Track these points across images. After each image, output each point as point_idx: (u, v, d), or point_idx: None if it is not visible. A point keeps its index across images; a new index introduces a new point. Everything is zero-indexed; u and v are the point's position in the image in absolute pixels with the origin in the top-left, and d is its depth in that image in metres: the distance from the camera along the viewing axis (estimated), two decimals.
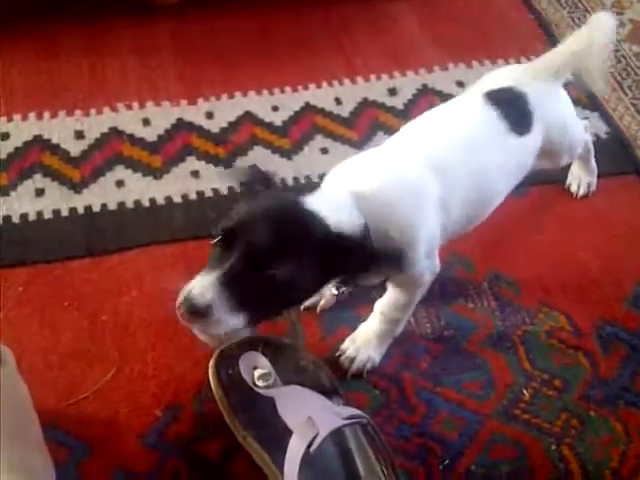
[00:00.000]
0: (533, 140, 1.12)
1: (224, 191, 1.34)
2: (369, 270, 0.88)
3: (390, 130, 1.47)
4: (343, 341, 1.13)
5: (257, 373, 1.02)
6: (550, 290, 1.23)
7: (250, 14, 1.69)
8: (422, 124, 1.10)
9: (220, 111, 1.49)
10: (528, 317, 1.19)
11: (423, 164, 0.99)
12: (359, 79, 1.58)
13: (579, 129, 1.28)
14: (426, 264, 1.02)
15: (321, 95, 1.54)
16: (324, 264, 0.85)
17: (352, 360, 1.11)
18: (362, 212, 0.90)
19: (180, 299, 0.84)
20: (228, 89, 1.53)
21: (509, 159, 1.09)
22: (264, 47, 1.63)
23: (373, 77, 1.59)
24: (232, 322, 0.84)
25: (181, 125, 1.45)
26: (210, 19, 1.67)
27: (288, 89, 1.54)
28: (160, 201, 1.31)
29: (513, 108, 1.10)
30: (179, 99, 1.50)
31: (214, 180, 1.36)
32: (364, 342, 1.11)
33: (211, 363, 1.05)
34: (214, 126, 1.46)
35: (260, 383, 1.01)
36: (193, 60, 1.58)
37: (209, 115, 1.48)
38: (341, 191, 0.93)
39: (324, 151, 1.43)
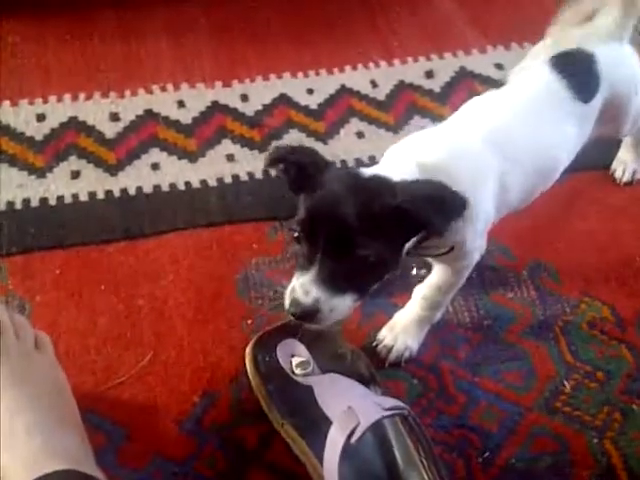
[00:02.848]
0: (598, 104, 1.08)
1: (259, 175, 1.32)
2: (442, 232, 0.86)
3: (427, 114, 1.45)
4: (380, 329, 1.12)
5: (295, 361, 1.01)
6: (592, 280, 1.21)
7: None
8: (487, 99, 1.06)
9: (255, 93, 1.47)
10: (569, 307, 1.17)
11: (484, 139, 0.97)
12: (395, 61, 1.55)
13: None
14: (478, 242, 1.01)
15: (357, 77, 1.52)
16: (405, 229, 0.84)
17: (390, 349, 1.09)
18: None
19: (287, 304, 0.85)
20: (263, 71, 1.51)
21: (573, 129, 1.06)
22: (299, 28, 1.61)
23: (410, 59, 1.56)
24: (340, 310, 0.85)
25: (216, 107, 1.44)
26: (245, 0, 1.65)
27: (323, 71, 1.52)
28: (195, 184, 1.30)
29: (579, 73, 1.06)
30: (214, 81, 1.48)
31: (249, 163, 1.34)
32: (402, 330, 1.10)
33: (248, 350, 1.04)
34: (249, 109, 1.44)
35: (298, 371, 1.00)
36: (228, 41, 1.56)
37: (244, 97, 1.46)
38: (407, 162, 0.90)
39: (360, 135, 1.41)
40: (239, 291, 1.16)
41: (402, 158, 0.93)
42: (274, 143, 1.38)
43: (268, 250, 1.22)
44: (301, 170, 0.86)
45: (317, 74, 1.52)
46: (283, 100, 1.46)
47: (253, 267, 1.19)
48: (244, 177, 1.32)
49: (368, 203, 0.81)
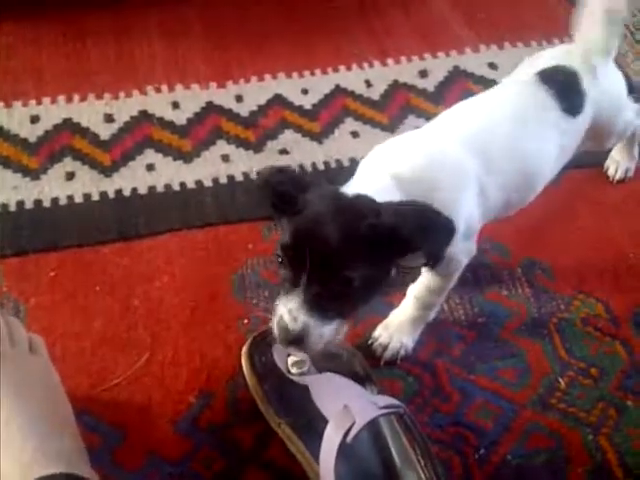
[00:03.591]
0: (583, 121, 1.09)
1: (254, 175, 1.32)
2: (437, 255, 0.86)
3: (421, 113, 1.45)
4: (375, 328, 1.12)
5: (291, 360, 1.01)
6: (586, 277, 1.21)
7: None
8: (465, 106, 1.06)
9: (250, 94, 1.47)
10: (564, 304, 1.17)
11: (463, 142, 0.97)
12: (389, 61, 1.56)
13: (631, 111, 1.24)
14: (463, 246, 1.00)
15: (351, 78, 1.52)
16: (392, 251, 0.83)
17: (385, 347, 1.09)
18: (403, 194, 0.88)
19: (275, 332, 0.86)
20: (258, 72, 1.51)
21: (558, 143, 1.06)
22: (294, 29, 1.61)
23: (404, 59, 1.56)
24: (328, 333, 0.85)
25: (211, 108, 1.44)
26: (239, 1, 1.65)
27: (318, 72, 1.52)
28: (190, 185, 1.30)
29: (565, 88, 1.07)
30: (208, 82, 1.48)
31: (244, 164, 1.34)
32: (397, 328, 1.10)
33: (244, 350, 1.04)
34: (244, 109, 1.44)
35: (294, 370, 1.00)
36: (222, 42, 1.57)
37: (239, 98, 1.46)
38: (382, 175, 0.90)
39: (354, 135, 1.41)
40: (235, 291, 1.16)
41: (377, 171, 0.92)
42: (269, 143, 1.38)
43: (263, 250, 1.22)
44: (281, 192, 0.85)
45: (312, 74, 1.52)
46: (278, 100, 1.46)
47: (249, 267, 1.19)
48: (239, 177, 1.32)
49: (353, 225, 0.80)
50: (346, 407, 0.91)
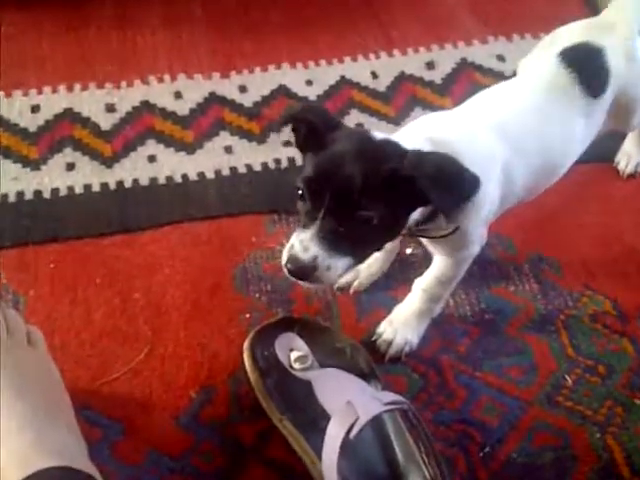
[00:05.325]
0: (607, 99, 1.07)
1: (258, 167, 1.31)
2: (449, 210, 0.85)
3: (428, 105, 1.43)
4: (379, 323, 1.10)
5: (294, 355, 1.00)
6: (594, 273, 1.19)
7: None
8: (498, 89, 1.05)
9: (253, 85, 1.45)
10: (571, 300, 1.16)
11: (493, 128, 0.96)
12: (396, 52, 1.53)
13: None
14: (480, 231, 1.00)
15: (357, 69, 1.50)
16: (410, 199, 0.83)
17: (389, 343, 1.08)
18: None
19: (284, 259, 0.85)
20: (262, 62, 1.49)
21: (582, 125, 1.05)
22: (299, 19, 1.59)
23: (410, 50, 1.54)
24: (338, 270, 0.84)
25: (214, 99, 1.42)
26: None
27: (323, 62, 1.50)
28: (193, 177, 1.29)
29: (589, 67, 1.05)
30: (211, 72, 1.46)
31: (248, 155, 1.33)
32: (402, 324, 1.08)
33: (246, 344, 1.03)
34: (247, 100, 1.42)
35: (297, 365, 0.99)
36: (226, 32, 1.54)
37: (242, 89, 1.44)
38: (417, 135, 0.90)
39: (360, 126, 1.39)
40: (237, 284, 1.15)
41: (414, 132, 0.92)
42: (273, 135, 1.36)
43: (266, 243, 1.20)
44: (311, 128, 0.85)
45: (317, 65, 1.50)
46: (282, 91, 1.44)
47: (251, 260, 1.18)
48: (242, 169, 1.30)
49: (376, 166, 0.80)
50: (349, 403, 0.90)
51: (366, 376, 1.00)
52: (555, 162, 1.06)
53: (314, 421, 0.93)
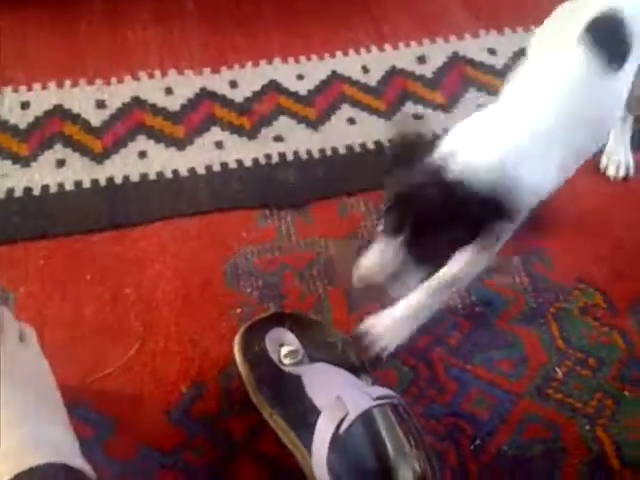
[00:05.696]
0: (632, 65, 1.08)
1: (248, 162, 1.31)
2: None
3: (419, 100, 1.43)
4: (370, 317, 1.10)
5: (284, 350, 1.00)
6: (585, 266, 1.19)
7: None
8: (526, 82, 1.06)
9: (244, 80, 1.45)
10: (562, 293, 1.16)
11: (544, 139, 0.98)
12: (387, 47, 1.53)
13: None
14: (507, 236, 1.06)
15: (348, 63, 1.50)
16: (480, 225, 0.91)
17: (371, 346, 1.06)
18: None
19: (363, 271, 0.91)
20: (253, 57, 1.49)
21: (614, 96, 1.07)
22: (290, 14, 1.59)
23: (401, 44, 1.54)
24: (411, 284, 0.94)
25: (204, 94, 1.41)
26: None
27: (314, 57, 1.50)
28: (183, 173, 1.28)
29: (610, 39, 1.05)
30: (202, 67, 1.46)
31: (238, 151, 1.32)
32: (390, 324, 1.07)
33: (237, 339, 1.03)
34: (238, 95, 1.42)
35: (287, 360, 0.99)
36: (217, 27, 1.54)
37: (233, 84, 1.44)
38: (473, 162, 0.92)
39: (351, 121, 1.39)
40: (227, 280, 1.15)
41: (469, 157, 0.93)
42: (263, 130, 1.36)
43: (257, 238, 1.20)
44: (408, 156, 0.93)
45: (308, 60, 1.50)
46: (273, 86, 1.44)
47: (242, 255, 1.18)
48: (233, 165, 1.30)
49: (451, 202, 0.87)
50: (339, 398, 0.90)
51: (357, 370, 1.00)
52: (597, 140, 1.11)
53: (304, 416, 0.93)
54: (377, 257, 0.90)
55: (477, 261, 1.05)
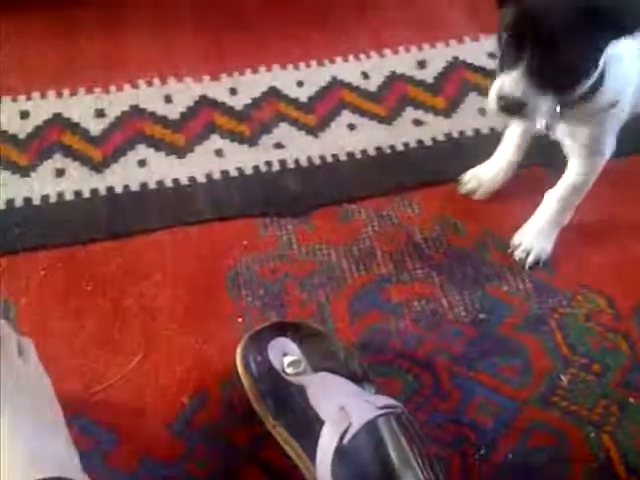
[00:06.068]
0: None
1: (249, 170, 1.30)
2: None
3: (419, 105, 1.42)
4: (371, 326, 1.10)
5: (287, 360, 0.99)
6: (588, 271, 1.19)
7: None
8: None
9: (244, 87, 1.44)
10: (565, 300, 1.15)
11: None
12: (387, 52, 1.52)
13: None
14: (612, 139, 1.11)
15: (348, 69, 1.49)
16: (607, 30, 0.91)
17: (528, 252, 1.18)
18: None
19: (494, 98, 0.95)
20: (252, 64, 1.48)
21: None
22: (289, 20, 1.57)
23: (401, 49, 1.53)
24: (542, 107, 0.94)
25: (204, 102, 1.41)
26: None
27: (314, 63, 1.49)
28: (184, 181, 1.28)
29: None
30: (201, 75, 1.45)
31: (239, 158, 1.32)
32: (537, 233, 1.18)
33: (238, 349, 1.02)
34: (238, 103, 1.41)
35: (290, 370, 0.98)
36: (216, 34, 1.53)
37: (233, 91, 1.43)
38: None
39: (351, 127, 1.38)
40: (229, 289, 1.14)
41: None
42: (264, 137, 1.36)
43: (258, 247, 1.19)
44: None
45: (307, 66, 1.49)
46: (272, 93, 1.43)
47: (243, 264, 1.17)
48: (234, 173, 1.30)
49: (576, 2, 0.89)
50: (343, 408, 0.89)
51: (360, 379, 0.99)
52: None
53: (308, 426, 0.92)
54: (508, 84, 0.92)
55: (590, 166, 1.13)
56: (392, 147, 1.35)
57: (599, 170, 1.14)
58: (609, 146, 1.11)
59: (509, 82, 0.92)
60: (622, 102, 1.05)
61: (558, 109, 1.01)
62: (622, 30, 0.91)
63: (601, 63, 0.96)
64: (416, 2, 1.64)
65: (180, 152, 1.32)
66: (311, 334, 1.04)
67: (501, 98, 0.94)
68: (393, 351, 1.09)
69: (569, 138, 1.10)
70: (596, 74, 0.97)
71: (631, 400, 1.05)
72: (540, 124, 1.10)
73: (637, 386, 1.06)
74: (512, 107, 0.93)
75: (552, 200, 1.17)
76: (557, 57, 0.90)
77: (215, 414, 1.01)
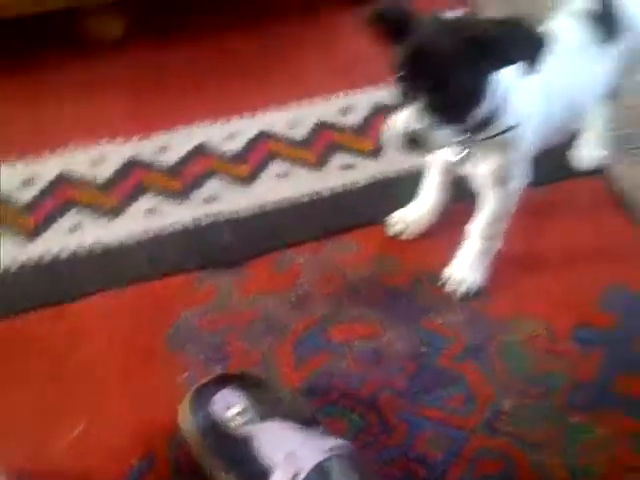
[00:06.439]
0: (622, 47, 1.19)
1: (182, 226, 1.31)
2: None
3: (347, 149, 1.45)
4: (316, 370, 1.11)
5: (233, 411, 0.99)
6: (522, 297, 1.22)
7: (198, 43, 1.67)
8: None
9: (173, 144, 1.46)
10: (502, 326, 1.18)
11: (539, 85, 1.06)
12: (312, 100, 1.56)
13: None
14: (523, 168, 1.14)
15: (275, 119, 1.52)
16: (490, 58, 0.94)
17: (459, 283, 1.21)
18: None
19: (399, 132, 0.97)
20: (180, 121, 1.50)
21: (601, 68, 1.18)
22: (215, 75, 1.61)
23: (326, 97, 1.57)
24: (445, 137, 0.98)
25: (134, 162, 1.42)
26: (157, 50, 1.65)
27: (242, 116, 1.52)
28: (117, 243, 1.28)
29: (603, 15, 1.16)
30: (130, 135, 1.47)
31: (172, 215, 1.33)
32: (466, 266, 1.22)
33: (184, 405, 1.01)
34: (168, 160, 1.43)
35: (237, 422, 0.98)
36: (143, 94, 1.55)
37: (162, 149, 1.45)
38: None
39: (282, 176, 1.41)
40: (171, 345, 1.14)
41: None
42: (196, 192, 1.37)
43: (197, 301, 1.20)
44: (396, 21, 0.97)
45: (235, 119, 1.52)
46: (202, 148, 1.45)
47: (183, 320, 1.17)
48: (168, 229, 1.30)
49: (456, 35, 0.93)
50: (291, 453, 0.90)
51: (306, 422, 1.00)
52: (579, 108, 1.21)
53: (259, 476, 0.92)
54: (410, 120, 0.95)
55: (504, 196, 1.15)
56: (322, 192, 1.38)
57: (515, 199, 1.17)
58: (521, 176, 1.14)
59: (407, 118, 0.95)
60: (524, 129, 1.08)
61: (463, 138, 1.06)
62: (506, 59, 0.95)
63: (499, 91, 1.00)
64: (336, 49, 1.69)
65: (112, 214, 1.33)
66: (256, 383, 1.05)
67: (402, 134, 0.96)
68: (338, 391, 1.10)
69: (479, 170, 1.13)
70: (493, 101, 1.01)
71: (574, 420, 1.07)
72: (452, 159, 1.13)
73: (578, 406, 1.09)
74: (413, 142, 0.96)
75: (475, 233, 1.21)
76: (448, 89, 0.94)
77: (165, 474, 1.00)
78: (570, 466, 1.02)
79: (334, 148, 1.47)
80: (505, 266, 1.26)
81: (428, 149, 0.99)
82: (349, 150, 1.46)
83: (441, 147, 1.02)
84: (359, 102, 1.56)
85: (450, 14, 0.97)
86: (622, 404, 1.09)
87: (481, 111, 1.01)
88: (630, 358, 1.15)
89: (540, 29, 0.96)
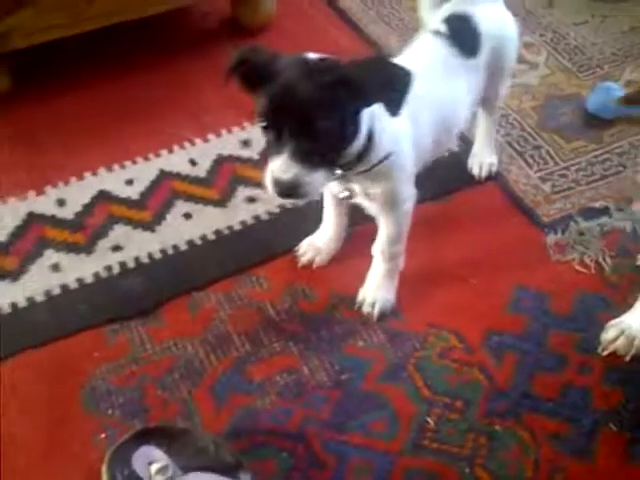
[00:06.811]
0: (482, 60, 1.23)
1: (90, 279, 1.28)
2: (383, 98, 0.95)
3: (249, 182, 1.45)
4: (239, 410, 1.10)
5: (154, 468, 0.96)
6: (434, 311, 1.24)
7: (87, 91, 1.65)
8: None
9: (71, 196, 1.43)
10: (418, 343, 1.19)
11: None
12: (211, 136, 1.55)
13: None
14: (408, 188, 1.15)
15: (175, 159, 1.51)
16: (355, 99, 0.95)
17: (373, 305, 1.22)
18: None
19: (269, 185, 0.97)
20: (76, 171, 1.47)
21: (465, 83, 1.21)
22: (108, 122, 1.59)
23: (224, 132, 1.56)
24: (318, 182, 0.97)
25: (32, 219, 1.38)
26: (46, 103, 1.62)
27: (140, 159, 1.50)
28: (22, 304, 1.24)
29: (462, 32, 1.20)
30: (26, 191, 1.43)
31: (77, 269, 1.29)
32: (377, 287, 1.23)
33: (104, 468, 0.99)
34: (68, 213, 1.39)
35: (159, 478, 0.96)
36: (37, 149, 1.52)
37: (61, 202, 1.41)
38: None
39: (187, 216, 1.40)
40: (86, 406, 1.11)
41: None
42: (100, 243, 1.34)
43: (111, 356, 1.17)
44: (254, 67, 0.96)
45: (133, 163, 1.50)
46: (102, 197, 1.43)
47: (97, 377, 1.14)
48: (74, 285, 1.27)
49: (318, 79, 0.92)
50: None
51: (233, 469, 0.99)
52: (450, 123, 1.22)
53: None
54: (277, 171, 0.94)
55: (396, 217, 1.17)
56: (230, 227, 1.37)
57: (408, 218, 1.19)
58: (408, 195, 1.16)
59: (278, 168, 0.94)
60: (397, 155, 1.08)
61: (340, 175, 1.06)
62: (372, 99, 0.95)
63: (365, 124, 1.00)
64: (233, 85, 1.68)
65: (13, 275, 1.29)
66: (177, 434, 1.03)
67: (275, 184, 0.95)
68: (264, 431, 1.09)
69: (367, 198, 1.14)
70: (363, 135, 1.01)
71: (497, 427, 1.09)
72: (339, 195, 1.15)
73: (500, 413, 1.10)
74: (287, 190, 0.95)
75: (377, 254, 1.22)
76: (315, 135, 0.93)
77: None
78: (499, 475, 1.04)
79: (237, 181, 1.46)
80: (416, 282, 1.27)
81: (303, 197, 0.97)
82: (252, 182, 1.45)
83: (318, 191, 1.00)
84: (259, 134, 1.55)
85: (313, 55, 0.97)
86: (542, 406, 1.11)
87: (353, 148, 1.01)
88: (544, 357, 1.17)
89: (403, 61, 0.98)
